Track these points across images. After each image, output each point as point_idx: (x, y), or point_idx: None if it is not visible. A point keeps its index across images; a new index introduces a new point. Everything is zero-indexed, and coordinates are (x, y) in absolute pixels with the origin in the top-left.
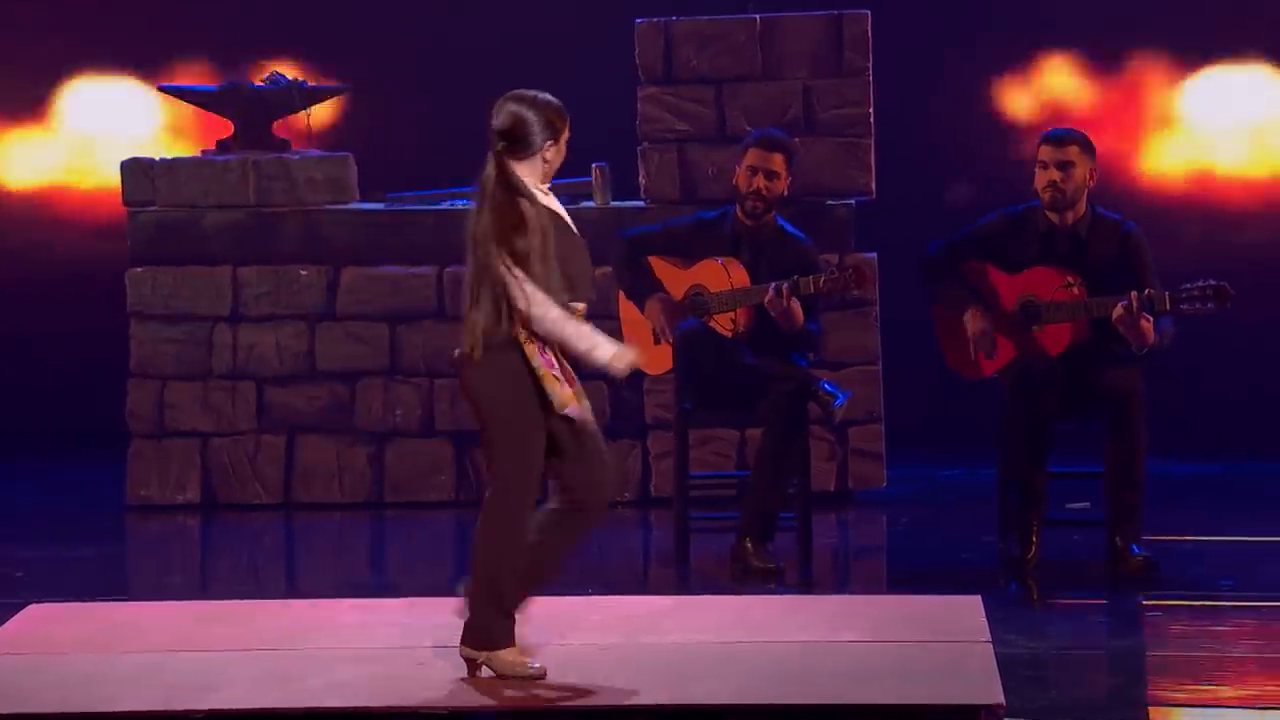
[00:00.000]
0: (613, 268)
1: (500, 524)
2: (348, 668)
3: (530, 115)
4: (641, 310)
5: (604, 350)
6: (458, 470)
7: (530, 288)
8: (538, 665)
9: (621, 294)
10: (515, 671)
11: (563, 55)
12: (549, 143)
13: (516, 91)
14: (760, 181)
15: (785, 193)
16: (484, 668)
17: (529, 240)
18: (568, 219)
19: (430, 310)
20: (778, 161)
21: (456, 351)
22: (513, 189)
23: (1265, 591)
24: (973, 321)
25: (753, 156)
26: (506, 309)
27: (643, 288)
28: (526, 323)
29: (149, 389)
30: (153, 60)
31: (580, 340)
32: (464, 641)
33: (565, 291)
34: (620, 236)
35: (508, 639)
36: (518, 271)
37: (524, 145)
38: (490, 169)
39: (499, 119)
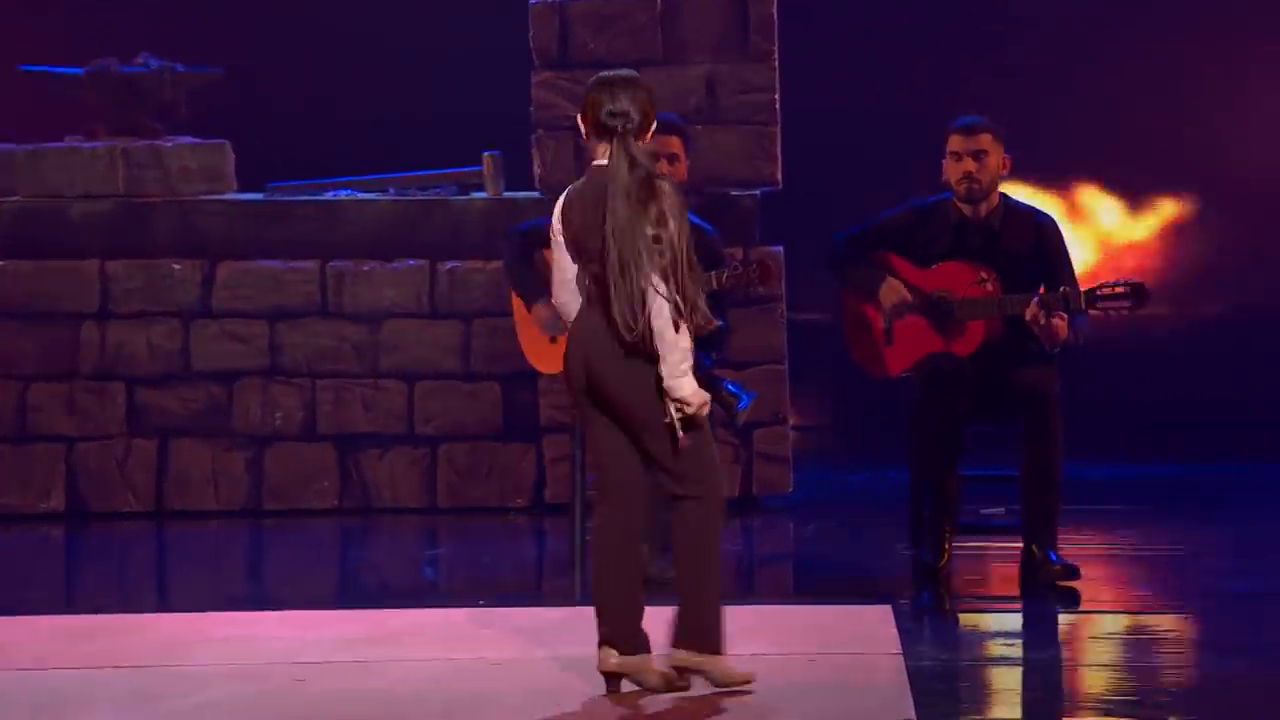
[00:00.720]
0: (503, 263)
1: (719, 514)
2: (223, 685)
3: (650, 94)
4: (529, 310)
5: (689, 385)
6: (341, 476)
7: (670, 311)
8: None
9: (512, 293)
10: (732, 680)
11: (452, 37)
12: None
13: (622, 71)
14: (663, 167)
15: (684, 178)
16: (685, 674)
17: (674, 227)
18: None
19: (313, 307)
20: (675, 144)
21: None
22: (651, 174)
23: (1184, 599)
24: (889, 293)
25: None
26: (645, 317)
27: (533, 285)
28: (657, 340)
29: (10, 390)
30: (12, 39)
31: (683, 365)
32: (682, 644)
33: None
34: (513, 230)
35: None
36: (662, 289)
37: (647, 127)
38: (620, 158)
39: (625, 100)
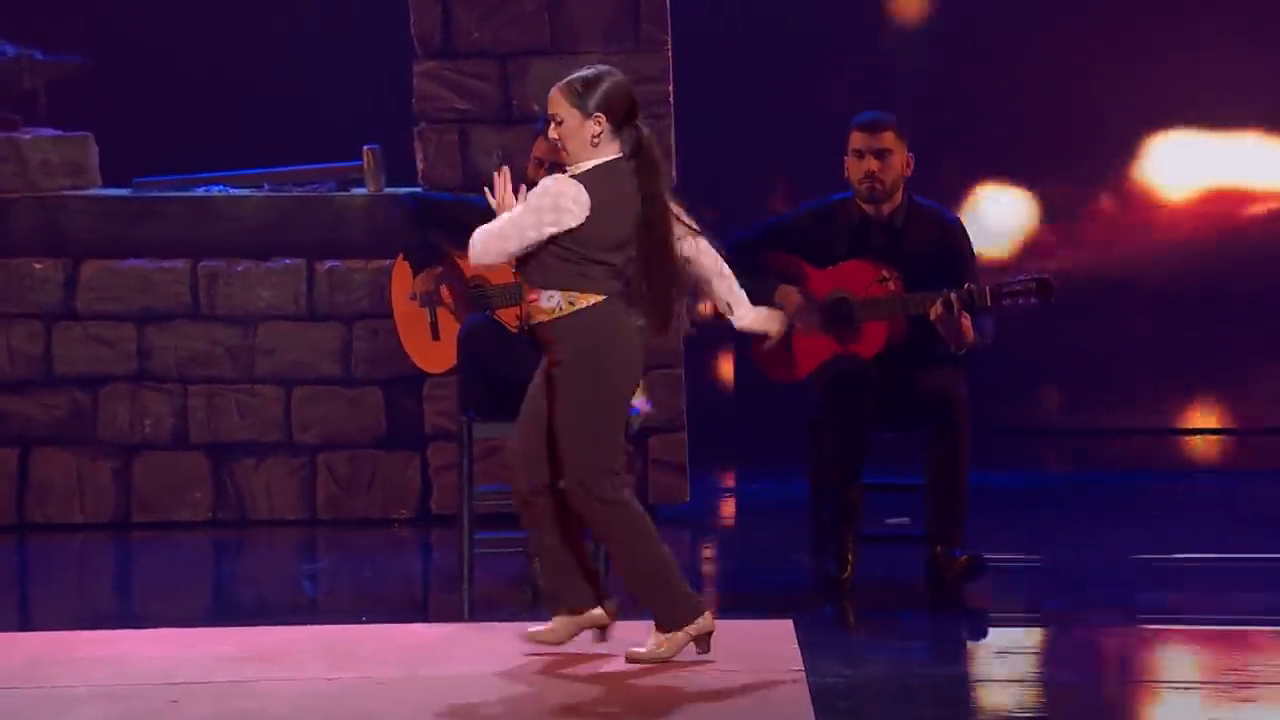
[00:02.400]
0: (407, 251)
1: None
2: (92, 708)
3: None
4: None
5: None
6: (215, 486)
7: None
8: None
9: (394, 289)
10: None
11: (329, 25)
12: None
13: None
14: (544, 176)
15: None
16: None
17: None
18: None
19: (183, 309)
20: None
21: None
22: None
23: (1093, 610)
24: (787, 298)
25: (541, 147)
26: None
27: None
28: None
29: None
30: None
31: None
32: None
33: None
34: (410, 200)
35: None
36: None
37: None
38: (650, 140)
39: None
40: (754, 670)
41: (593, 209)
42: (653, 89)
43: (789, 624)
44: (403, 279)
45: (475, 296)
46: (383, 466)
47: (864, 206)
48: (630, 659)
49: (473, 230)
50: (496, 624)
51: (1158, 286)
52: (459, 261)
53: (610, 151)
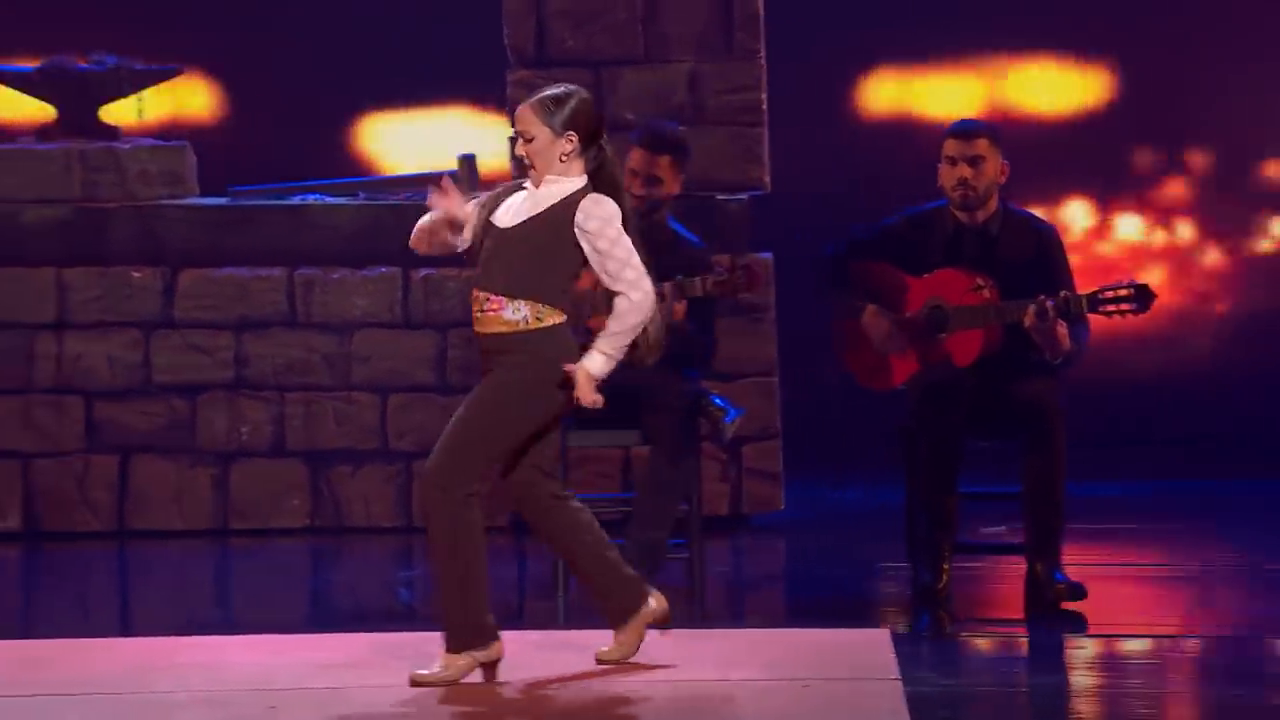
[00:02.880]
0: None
1: None
2: (190, 713)
3: None
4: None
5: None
6: (312, 493)
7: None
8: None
9: None
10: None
11: (424, 34)
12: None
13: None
14: (640, 187)
15: (673, 194)
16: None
17: None
18: (522, 211)
19: (280, 317)
20: (663, 165)
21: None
22: None
23: (1194, 623)
24: (872, 324)
25: (636, 158)
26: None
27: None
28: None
29: None
30: None
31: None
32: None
33: None
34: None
35: None
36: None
37: None
38: (613, 161)
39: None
40: (850, 679)
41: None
42: (746, 98)
43: (885, 633)
44: None
45: (574, 305)
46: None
47: (958, 214)
48: (414, 682)
49: None
50: (591, 632)
51: None
52: None
53: (576, 170)
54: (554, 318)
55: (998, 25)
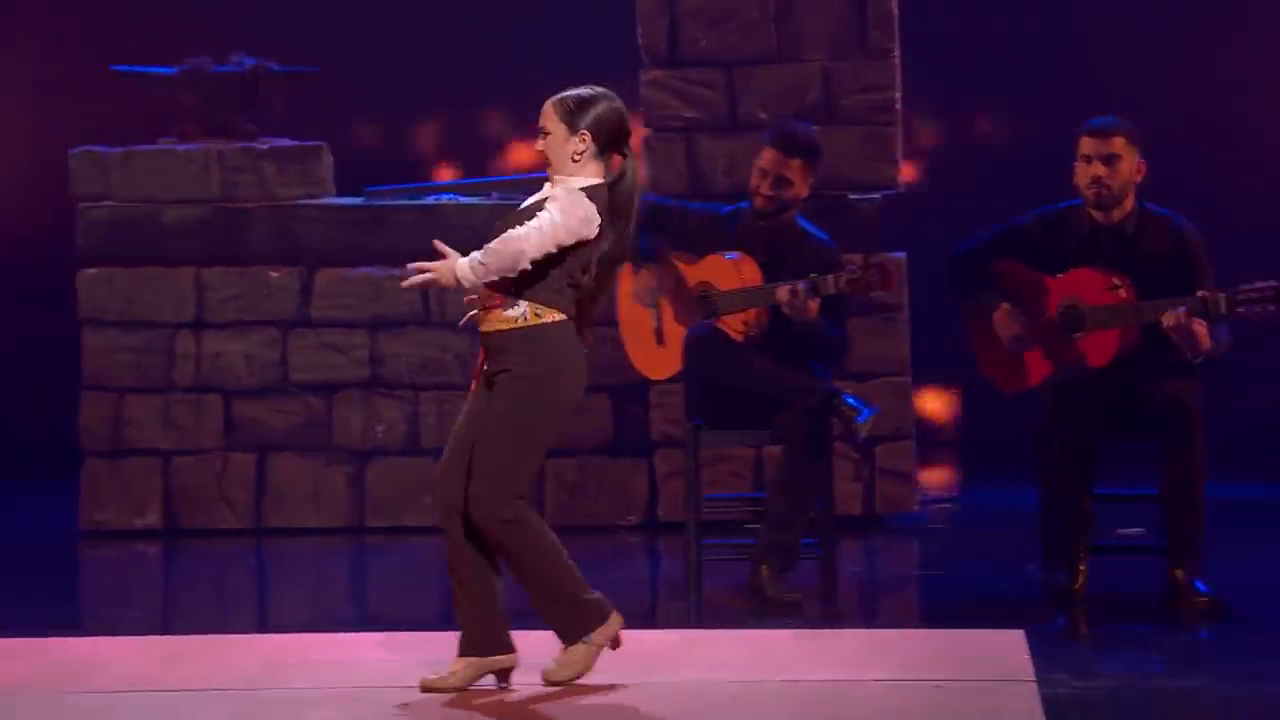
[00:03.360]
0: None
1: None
2: (326, 710)
3: None
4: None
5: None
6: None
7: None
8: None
9: (621, 296)
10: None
11: (558, 35)
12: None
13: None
14: (769, 188)
15: (802, 196)
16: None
17: None
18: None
19: (414, 316)
20: (794, 168)
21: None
22: None
23: None
24: (1003, 324)
25: (767, 158)
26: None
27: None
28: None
29: (104, 403)
30: (104, 38)
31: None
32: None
33: None
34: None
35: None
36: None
37: None
38: (633, 169)
39: None
40: (984, 681)
41: (602, 224)
42: (879, 97)
43: (1020, 634)
44: (627, 285)
45: (702, 302)
46: (610, 473)
47: (1093, 213)
48: (547, 680)
49: (689, 238)
50: (724, 631)
51: None
52: (681, 267)
53: (592, 173)
54: (553, 315)
55: None
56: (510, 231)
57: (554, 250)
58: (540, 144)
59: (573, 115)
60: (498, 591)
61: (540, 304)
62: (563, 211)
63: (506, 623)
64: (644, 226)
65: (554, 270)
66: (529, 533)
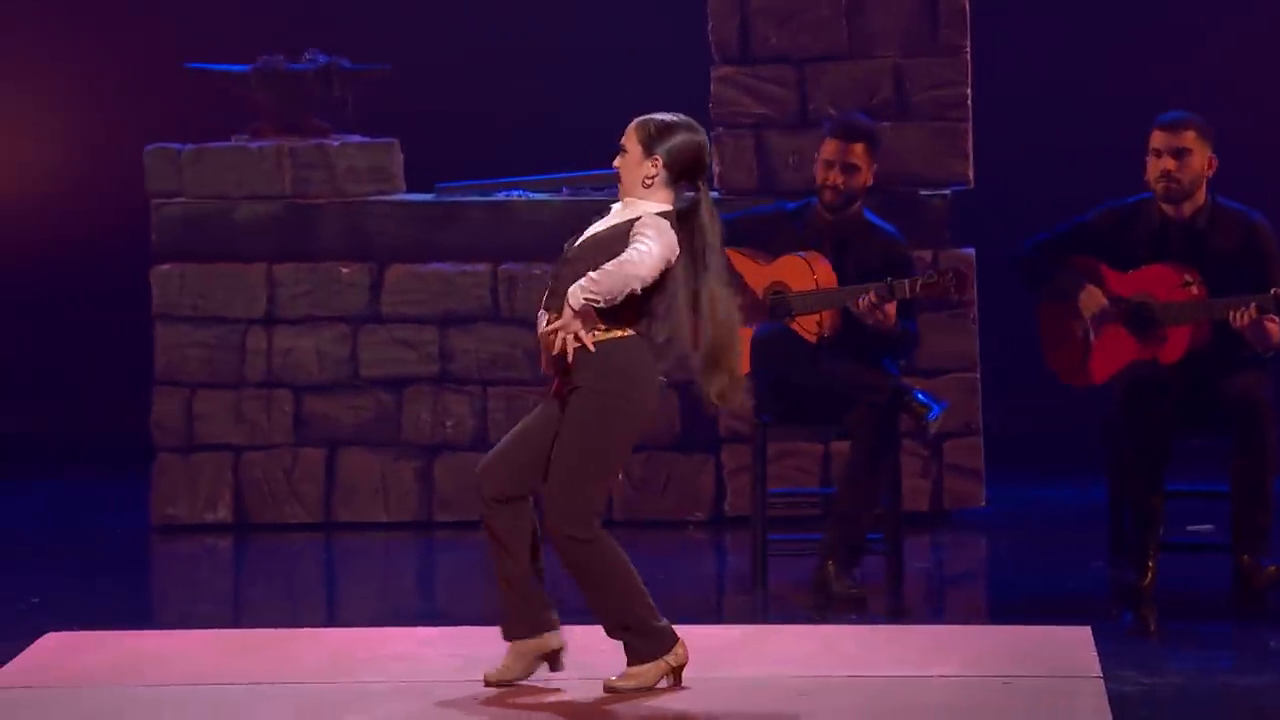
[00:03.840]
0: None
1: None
2: (394, 703)
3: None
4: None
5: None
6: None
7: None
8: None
9: None
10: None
11: (628, 32)
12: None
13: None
14: (836, 177)
15: (869, 184)
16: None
17: None
18: (589, 232)
19: (484, 312)
20: (858, 153)
21: None
22: None
23: None
24: (1089, 301)
25: (829, 148)
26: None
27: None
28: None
29: (176, 398)
30: (178, 35)
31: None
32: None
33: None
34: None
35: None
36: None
37: None
38: (705, 201)
39: None
40: (1052, 677)
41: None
42: (951, 93)
43: (1087, 631)
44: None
45: (775, 303)
46: (678, 468)
47: (1164, 207)
48: (608, 689)
49: (760, 241)
50: (790, 626)
51: None
52: (755, 266)
53: (663, 199)
54: (619, 330)
55: None
56: (626, 256)
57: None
58: (618, 161)
59: (652, 139)
60: (539, 574)
61: (603, 325)
62: (659, 237)
63: (549, 604)
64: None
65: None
66: (605, 553)
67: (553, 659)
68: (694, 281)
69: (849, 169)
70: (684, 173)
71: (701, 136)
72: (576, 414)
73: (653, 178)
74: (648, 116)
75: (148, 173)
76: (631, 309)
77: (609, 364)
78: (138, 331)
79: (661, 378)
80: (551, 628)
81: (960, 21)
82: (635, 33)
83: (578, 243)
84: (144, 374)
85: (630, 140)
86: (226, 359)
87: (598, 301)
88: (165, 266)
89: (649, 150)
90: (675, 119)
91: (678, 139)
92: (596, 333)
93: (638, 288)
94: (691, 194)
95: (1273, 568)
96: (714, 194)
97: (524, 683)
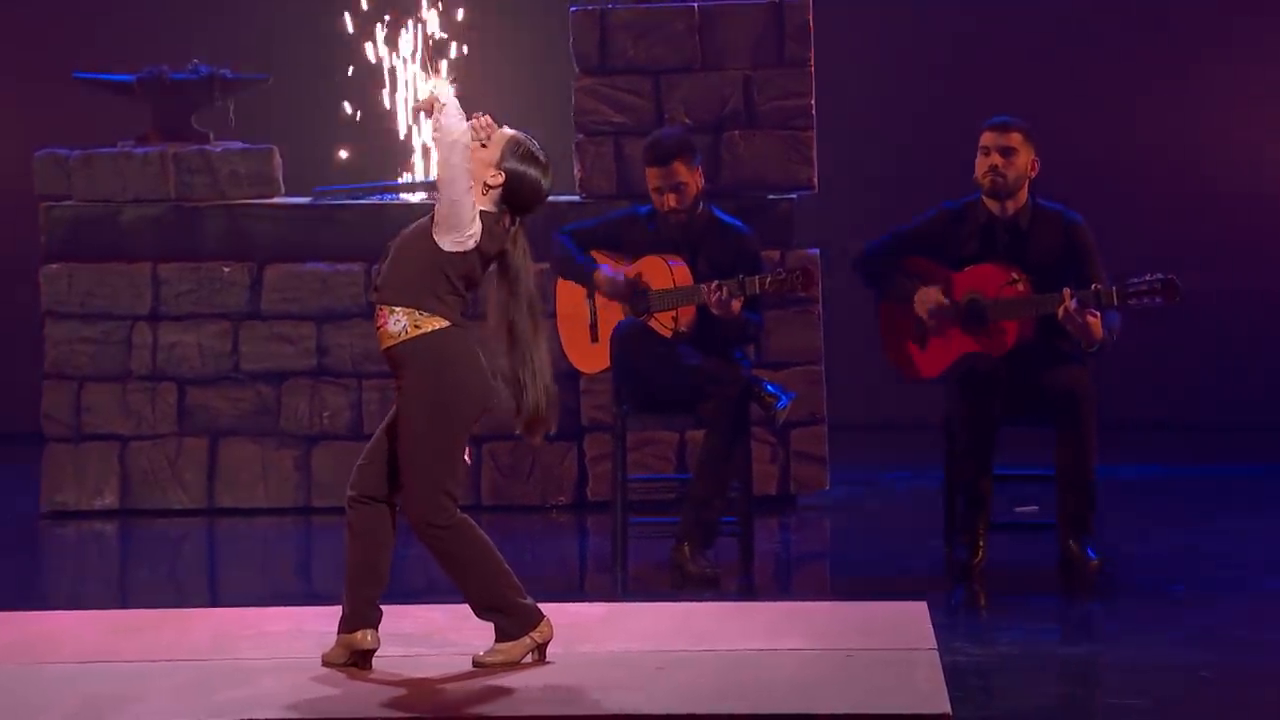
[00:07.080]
0: (554, 263)
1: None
2: (272, 679)
3: None
4: (597, 288)
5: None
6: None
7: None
8: None
9: (558, 291)
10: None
11: (496, 45)
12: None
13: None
14: (670, 199)
15: (701, 188)
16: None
17: None
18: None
19: (358, 309)
20: (679, 171)
21: None
22: None
23: (1217, 594)
24: (924, 300)
25: (652, 176)
26: None
27: (586, 275)
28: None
29: (65, 390)
30: (65, 46)
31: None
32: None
33: None
34: (558, 234)
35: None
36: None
37: None
38: (519, 240)
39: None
40: (891, 649)
41: (479, 243)
42: (797, 103)
43: (923, 605)
44: (565, 287)
45: (635, 298)
46: (543, 456)
47: (989, 205)
48: (476, 664)
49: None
50: (647, 604)
51: None
52: (618, 267)
53: (488, 206)
54: (434, 323)
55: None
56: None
57: (458, 172)
58: (475, 149)
59: (509, 158)
60: (382, 575)
61: (421, 313)
62: (474, 159)
63: (375, 603)
64: (580, 247)
65: (431, 279)
66: (466, 538)
67: (362, 658)
68: (508, 311)
69: (678, 188)
70: (516, 201)
71: (548, 185)
72: (405, 416)
73: (491, 187)
74: (528, 135)
75: (37, 177)
76: (440, 299)
77: (423, 361)
78: (28, 328)
79: (485, 362)
80: (370, 625)
81: (805, 36)
82: (504, 43)
83: (398, 238)
84: (34, 368)
85: (495, 145)
86: (113, 353)
87: (438, 124)
88: (55, 266)
89: (503, 161)
90: (543, 158)
91: (531, 172)
92: (408, 329)
93: (460, 141)
94: (512, 227)
95: (1097, 562)
96: (575, 197)
97: (395, 658)
